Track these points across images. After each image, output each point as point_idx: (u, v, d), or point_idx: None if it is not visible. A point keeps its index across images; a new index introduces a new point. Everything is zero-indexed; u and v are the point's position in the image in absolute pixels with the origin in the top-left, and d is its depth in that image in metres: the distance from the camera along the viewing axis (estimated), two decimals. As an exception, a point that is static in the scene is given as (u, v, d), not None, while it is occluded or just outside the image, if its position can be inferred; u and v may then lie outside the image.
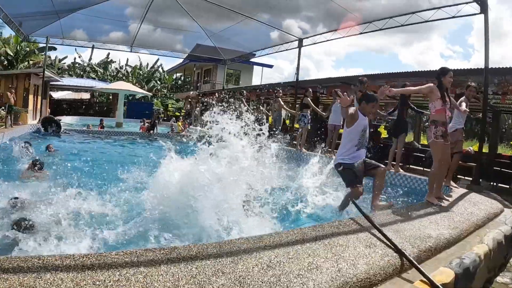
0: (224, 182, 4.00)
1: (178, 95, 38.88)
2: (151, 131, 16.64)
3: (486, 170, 9.18)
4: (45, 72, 19.31)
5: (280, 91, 11.81)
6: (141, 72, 43.99)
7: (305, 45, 12.76)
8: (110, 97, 33.11)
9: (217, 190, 3.93)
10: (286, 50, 14.03)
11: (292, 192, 5.78)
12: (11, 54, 22.88)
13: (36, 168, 6.36)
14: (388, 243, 2.80)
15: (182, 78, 44.70)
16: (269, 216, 4.09)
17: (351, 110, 4.56)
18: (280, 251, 2.42)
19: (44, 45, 23.20)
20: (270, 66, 32.17)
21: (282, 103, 11.80)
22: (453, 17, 8.05)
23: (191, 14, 13.61)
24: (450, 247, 3.31)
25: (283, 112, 12.70)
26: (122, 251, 2.21)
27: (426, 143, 20.57)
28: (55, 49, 24.80)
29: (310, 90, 10.62)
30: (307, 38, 12.77)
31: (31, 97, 18.45)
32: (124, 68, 44.21)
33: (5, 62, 22.91)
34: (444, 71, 4.57)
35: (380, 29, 9.72)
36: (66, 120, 21.14)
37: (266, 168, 6.20)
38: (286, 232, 2.81)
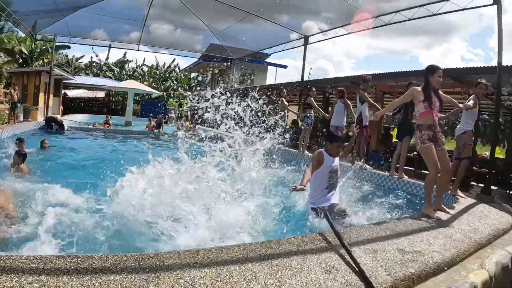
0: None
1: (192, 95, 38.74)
2: (157, 130, 16.38)
3: (502, 177, 8.43)
4: (56, 70, 19.40)
5: (284, 90, 11.31)
6: (157, 71, 44.12)
7: (311, 43, 12.24)
8: (126, 96, 33.22)
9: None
10: (293, 48, 13.54)
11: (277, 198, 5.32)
12: (26, 52, 23.12)
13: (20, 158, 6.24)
14: (356, 268, 2.27)
15: (200, 78, 44.64)
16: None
17: (315, 153, 4.43)
18: (210, 271, 1.96)
19: (59, 43, 23.56)
20: (285, 67, 31.71)
21: (286, 103, 11.29)
22: (463, 9, 7.38)
23: (196, 11, 13.30)
24: (441, 273, 2.75)
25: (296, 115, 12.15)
26: (33, 256, 1.97)
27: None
28: (68, 47, 24.99)
29: (314, 89, 10.08)
30: (312, 35, 12.23)
31: (41, 94, 18.50)
32: (140, 68, 44.50)
33: (20, 60, 23.17)
34: (432, 69, 4.08)
35: (387, 24, 9.10)
36: (77, 118, 21.21)
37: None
38: (228, 248, 2.32)
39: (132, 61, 45.27)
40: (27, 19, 16.08)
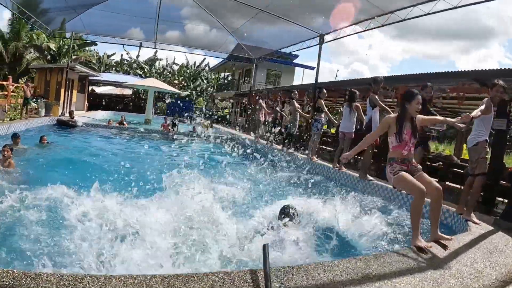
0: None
1: (219, 95, 38.71)
2: (172, 130, 16.13)
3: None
4: (78, 67, 19.65)
5: (296, 92, 10.64)
6: (187, 70, 44.36)
7: (327, 41, 11.46)
8: (156, 94, 33.49)
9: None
10: (309, 47, 12.79)
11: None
12: (54, 49, 23.67)
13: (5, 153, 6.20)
14: None
15: (229, 77, 44.60)
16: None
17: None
18: None
19: (88, 40, 23.98)
20: (312, 68, 30.80)
21: (297, 105, 10.63)
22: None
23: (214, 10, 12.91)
24: None
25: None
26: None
27: (467, 157, 18.31)
28: (95, 44, 25.32)
29: (324, 91, 9.34)
30: (328, 34, 11.44)
31: (63, 90, 18.76)
32: (170, 66, 44.95)
33: (48, 57, 23.76)
34: (409, 96, 3.64)
35: (403, 20, 8.22)
36: (98, 115, 21.45)
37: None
38: None
39: (162, 59, 45.98)
40: (49, 16, 16.38)
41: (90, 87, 31.12)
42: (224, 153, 12.04)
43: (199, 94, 40.14)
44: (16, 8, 14.93)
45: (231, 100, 32.85)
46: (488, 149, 4.77)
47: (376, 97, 6.91)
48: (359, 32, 10.12)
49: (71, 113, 14.57)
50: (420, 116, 3.74)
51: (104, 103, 29.45)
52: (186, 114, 25.32)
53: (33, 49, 23.20)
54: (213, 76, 44.93)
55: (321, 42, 11.64)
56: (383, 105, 6.96)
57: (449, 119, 4.11)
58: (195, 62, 44.61)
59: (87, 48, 33.14)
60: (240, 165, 9.39)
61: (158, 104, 34.80)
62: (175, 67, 44.96)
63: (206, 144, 14.00)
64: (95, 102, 28.35)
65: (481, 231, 4.25)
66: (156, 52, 43.94)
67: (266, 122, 13.16)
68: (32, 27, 23.96)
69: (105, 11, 15.38)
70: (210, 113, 17.31)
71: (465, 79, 7.51)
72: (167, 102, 33.48)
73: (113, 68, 40.42)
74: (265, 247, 2.36)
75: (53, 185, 4.86)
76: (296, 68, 32.03)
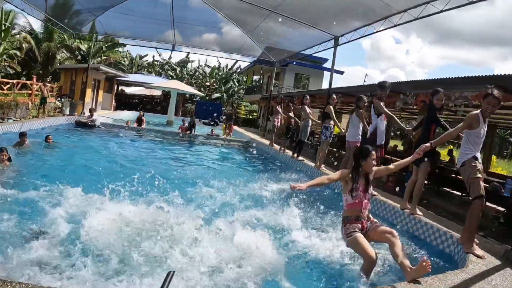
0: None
1: (247, 98, 38.54)
2: (189, 132, 16.00)
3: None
4: (103, 67, 20.04)
5: (308, 97, 10.10)
6: (219, 72, 44.59)
7: (341, 44, 10.79)
8: (185, 95, 33.81)
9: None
10: (324, 50, 12.17)
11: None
12: (84, 49, 24.36)
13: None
14: None
15: (261, 80, 44.42)
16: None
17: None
18: None
19: (117, 42, 24.53)
20: (341, 72, 30.00)
21: (309, 111, 10.08)
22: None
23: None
24: None
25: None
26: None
27: (500, 171, 16.75)
28: (124, 45, 25.84)
29: (334, 96, 8.74)
30: (342, 36, 10.78)
31: (88, 90, 19.17)
32: (202, 68, 45.34)
33: (79, 57, 24.48)
34: (365, 153, 3.56)
35: (417, 19, 7.48)
36: (122, 115, 21.78)
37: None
38: None
39: (194, 61, 46.43)
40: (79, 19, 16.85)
41: (120, 88, 31.93)
42: (232, 159, 11.87)
43: (230, 96, 40.17)
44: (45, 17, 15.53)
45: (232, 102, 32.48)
46: (479, 167, 4.05)
47: (382, 104, 6.26)
48: (373, 33, 9.43)
49: (91, 110, 14.76)
50: (375, 169, 3.66)
51: (133, 104, 30.11)
52: (213, 116, 25.44)
53: (64, 49, 23.99)
54: (245, 79, 44.86)
55: (336, 44, 11.02)
56: (389, 113, 6.31)
57: (407, 159, 3.98)
58: (227, 65, 44.84)
59: (119, 49, 34.07)
60: (240, 173, 9.10)
61: (187, 105, 35.14)
62: (207, 69, 45.31)
63: (218, 148, 13.92)
64: (124, 102, 29.02)
65: (482, 267, 3.60)
66: (188, 54, 44.63)
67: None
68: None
69: (139, 16, 15.69)
70: (229, 116, 16.99)
71: (487, 84, 6.70)
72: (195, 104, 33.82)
73: (145, 69, 41.27)
74: (169, 274, 2.00)
75: (39, 184, 5.06)
76: (326, 72, 31.39)
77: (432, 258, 4.00)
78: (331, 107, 8.63)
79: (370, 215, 3.67)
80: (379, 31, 9.16)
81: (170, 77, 38.74)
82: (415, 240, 4.82)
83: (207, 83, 42.57)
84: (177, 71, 42.69)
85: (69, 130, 13.27)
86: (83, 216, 3.80)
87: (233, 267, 3.20)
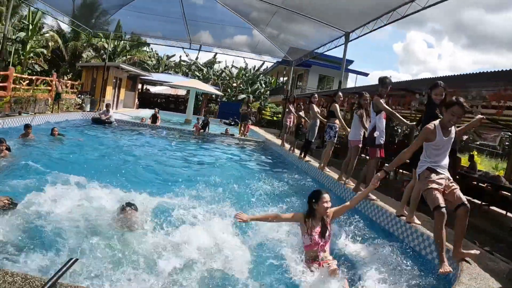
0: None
1: (272, 99, 38.22)
2: (203, 130, 15.93)
3: None
4: (124, 66, 20.36)
5: (316, 96, 9.69)
6: (246, 73, 44.61)
7: (352, 40, 10.27)
8: (208, 95, 33.99)
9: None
10: (336, 47, 11.65)
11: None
12: (109, 49, 24.89)
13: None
14: None
15: (287, 81, 44.01)
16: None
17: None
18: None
19: (142, 42, 24.90)
20: (366, 74, 29.32)
21: (317, 110, 9.66)
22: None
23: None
24: None
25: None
26: None
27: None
28: (148, 45, 26.26)
29: (340, 94, 8.28)
30: (353, 31, 10.25)
31: (109, 88, 19.54)
32: (228, 69, 45.49)
33: (104, 56, 25.05)
34: (316, 196, 3.54)
35: (423, 8, 6.90)
36: (141, 113, 22.04)
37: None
38: None
39: (221, 62, 46.66)
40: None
41: (145, 87, 32.50)
42: (237, 157, 11.64)
43: (256, 98, 39.95)
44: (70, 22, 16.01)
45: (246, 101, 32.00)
46: (435, 178, 3.63)
47: (382, 101, 5.80)
48: (383, 26, 8.81)
49: (107, 106, 14.96)
50: (332, 210, 3.59)
51: (156, 102, 30.53)
52: (234, 117, 25.36)
53: (90, 48, 24.65)
54: (271, 80, 44.60)
55: (347, 40, 10.51)
56: (390, 110, 5.81)
57: (365, 191, 4.01)
58: (254, 66, 44.79)
59: (146, 49, 34.72)
60: (240, 171, 8.86)
61: (211, 106, 35.30)
62: (234, 71, 45.39)
63: (228, 147, 13.70)
64: (147, 101, 29.47)
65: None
66: (215, 54, 44.89)
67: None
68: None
69: (166, 16, 15.91)
70: (244, 115, 16.74)
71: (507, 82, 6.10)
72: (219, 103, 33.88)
73: (172, 69, 41.80)
74: (70, 261, 1.90)
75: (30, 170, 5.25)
76: (350, 74, 30.80)
77: (421, 273, 3.60)
78: (337, 105, 8.18)
79: (330, 257, 3.53)
80: (388, 24, 8.59)
81: (196, 78, 39.05)
82: (407, 251, 4.36)
83: (234, 84, 42.61)
84: (204, 72, 42.98)
85: (83, 125, 13.48)
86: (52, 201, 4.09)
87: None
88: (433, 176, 3.66)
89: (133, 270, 3.07)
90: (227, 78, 44.12)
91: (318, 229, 3.48)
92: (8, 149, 6.58)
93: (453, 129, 3.79)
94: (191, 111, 20.91)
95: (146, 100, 29.04)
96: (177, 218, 4.33)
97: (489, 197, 9.48)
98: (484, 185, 10.01)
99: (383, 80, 5.90)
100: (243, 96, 40.04)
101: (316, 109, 9.65)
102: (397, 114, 5.89)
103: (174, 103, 32.56)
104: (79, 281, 2.74)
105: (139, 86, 29.08)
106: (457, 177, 10.39)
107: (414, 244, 4.57)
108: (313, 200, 3.53)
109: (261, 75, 43.87)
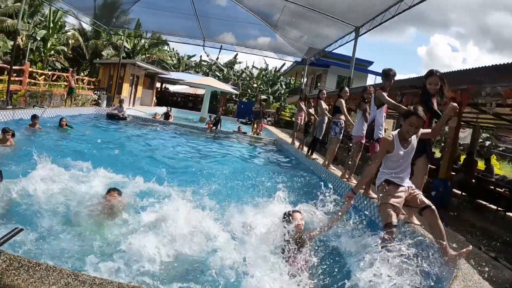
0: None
1: (290, 100, 37.96)
2: (215, 128, 15.88)
3: None
4: (140, 63, 20.61)
5: (324, 92, 9.43)
6: (266, 74, 44.56)
7: (361, 34, 9.93)
8: (227, 95, 34.07)
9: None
10: (347, 42, 11.31)
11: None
12: (129, 47, 25.34)
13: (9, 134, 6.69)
14: None
15: (304, 80, 43.61)
16: None
17: None
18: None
19: (160, 39, 25.21)
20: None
21: (325, 106, 9.40)
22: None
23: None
24: None
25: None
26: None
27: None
28: (167, 44, 26.55)
29: (347, 89, 7.99)
30: (363, 25, 9.91)
31: (126, 85, 19.81)
32: (249, 70, 45.53)
33: (123, 54, 25.49)
34: (287, 217, 3.58)
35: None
36: (157, 110, 22.25)
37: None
38: None
39: (242, 62, 46.79)
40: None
41: (164, 85, 32.87)
42: (244, 153, 11.49)
43: (276, 99, 39.75)
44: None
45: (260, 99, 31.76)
46: (392, 191, 3.44)
47: (385, 94, 5.52)
48: (390, 18, 8.46)
49: (120, 101, 15.14)
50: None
51: (175, 101, 30.82)
52: (250, 116, 25.32)
53: (111, 47, 25.13)
54: (292, 81, 44.34)
55: (357, 35, 10.18)
56: (394, 102, 5.51)
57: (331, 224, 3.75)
58: (275, 67, 44.70)
59: (167, 49, 35.16)
60: (242, 167, 8.72)
61: (229, 105, 35.36)
62: (255, 71, 45.40)
63: (238, 144, 13.57)
64: (166, 99, 29.78)
65: None
66: (236, 55, 45.04)
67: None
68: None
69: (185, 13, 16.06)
70: (257, 113, 16.60)
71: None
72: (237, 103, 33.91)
73: (193, 69, 42.17)
74: (15, 230, 1.86)
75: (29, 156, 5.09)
76: (370, 75, 30.29)
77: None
78: (343, 100, 7.89)
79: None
80: (396, 15, 8.22)
81: (217, 78, 39.25)
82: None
83: (254, 85, 42.61)
84: (224, 72, 43.16)
85: (94, 119, 13.65)
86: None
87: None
88: (391, 190, 3.48)
89: (99, 253, 3.04)
90: (247, 78, 44.17)
91: (293, 252, 3.38)
92: (13, 134, 6.78)
93: (413, 139, 3.59)
94: (206, 109, 20.93)
95: (164, 99, 29.35)
96: (161, 206, 4.25)
97: (506, 202, 8.95)
98: (502, 190, 9.47)
99: (387, 73, 5.61)
100: (263, 97, 40.02)
101: (324, 105, 9.39)
102: (401, 106, 5.58)
103: (192, 102, 32.78)
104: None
105: (158, 84, 29.44)
106: (473, 180, 9.90)
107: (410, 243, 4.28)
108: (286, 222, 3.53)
109: (281, 76, 43.73)
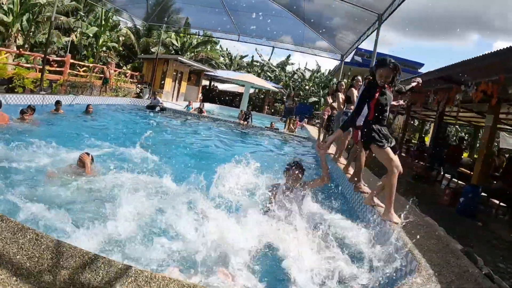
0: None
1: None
2: (246, 122, 15.85)
3: None
4: (183, 59, 21.20)
5: (343, 83, 8.94)
6: (318, 76, 43.85)
7: (384, 20, 9.15)
8: (272, 94, 34.09)
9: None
10: (373, 33, 10.50)
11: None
12: (177, 45, 26.25)
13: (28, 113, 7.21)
14: None
15: (340, 77, 42.30)
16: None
17: None
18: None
19: (206, 35, 25.76)
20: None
21: (343, 98, 8.89)
22: None
23: None
24: None
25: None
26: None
27: None
28: (216, 43, 27.06)
29: (359, 77, 7.47)
30: (385, 12, 9.13)
31: (169, 80, 20.51)
32: (300, 71, 45.04)
33: (172, 52, 26.49)
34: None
35: None
36: (196, 105, 22.80)
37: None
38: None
39: (294, 63, 46.41)
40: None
41: (213, 84, 33.62)
42: (267, 146, 11.24)
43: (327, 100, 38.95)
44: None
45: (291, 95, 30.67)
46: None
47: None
48: None
49: (154, 93, 15.72)
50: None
51: (224, 99, 31.44)
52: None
53: (161, 45, 26.24)
54: (344, 83, 43.13)
55: (380, 22, 9.44)
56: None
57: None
58: (328, 70, 43.83)
59: (218, 48, 35.94)
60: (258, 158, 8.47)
61: (277, 105, 35.28)
62: (307, 74, 44.81)
63: (264, 138, 13.35)
64: (212, 97, 30.44)
65: None
66: (289, 56, 44.77)
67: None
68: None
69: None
70: (290, 110, 16.30)
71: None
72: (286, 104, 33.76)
73: (244, 69, 42.64)
74: None
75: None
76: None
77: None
78: (354, 90, 7.39)
79: None
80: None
81: (268, 78, 39.29)
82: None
83: (306, 87, 42.04)
84: (276, 73, 43.06)
85: (128, 110, 14.23)
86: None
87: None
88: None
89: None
90: (299, 79, 43.63)
91: None
92: (33, 111, 7.39)
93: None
94: (245, 106, 21.00)
95: (210, 96, 30.00)
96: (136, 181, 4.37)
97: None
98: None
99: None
100: (314, 99, 39.35)
101: (342, 97, 8.89)
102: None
103: (239, 101, 33.22)
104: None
105: (206, 82, 30.14)
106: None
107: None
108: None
109: (334, 79, 42.67)
